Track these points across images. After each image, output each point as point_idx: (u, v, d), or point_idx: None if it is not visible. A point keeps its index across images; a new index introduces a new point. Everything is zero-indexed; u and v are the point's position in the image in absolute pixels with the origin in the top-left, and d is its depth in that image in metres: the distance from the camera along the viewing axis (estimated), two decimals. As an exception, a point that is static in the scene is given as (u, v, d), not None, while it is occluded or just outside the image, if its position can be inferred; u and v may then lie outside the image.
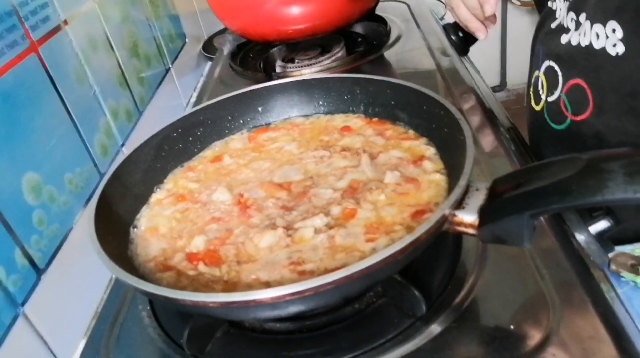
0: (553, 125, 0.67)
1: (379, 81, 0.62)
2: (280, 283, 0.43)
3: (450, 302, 0.46)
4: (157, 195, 0.58)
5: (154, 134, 0.59)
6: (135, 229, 0.53)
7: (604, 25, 0.55)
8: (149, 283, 0.40)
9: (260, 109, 0.67)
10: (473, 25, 0.74)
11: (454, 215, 0.41)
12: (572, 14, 0.61)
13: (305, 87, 0.66)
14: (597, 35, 0.57)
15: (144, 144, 0.58)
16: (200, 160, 0.63)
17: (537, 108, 0.70)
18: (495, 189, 0.42)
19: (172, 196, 0.57)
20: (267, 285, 0.43)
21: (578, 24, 0.60)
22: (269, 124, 0.67)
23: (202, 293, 0.38)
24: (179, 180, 0.60)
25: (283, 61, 1.02)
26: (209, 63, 1.18)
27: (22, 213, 0.51)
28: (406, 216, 0.48)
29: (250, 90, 0.66)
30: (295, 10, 0.90)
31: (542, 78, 0.68)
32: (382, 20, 1.10)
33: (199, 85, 1.10)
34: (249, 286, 0.44)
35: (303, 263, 0.45)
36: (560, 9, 0.65)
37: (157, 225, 0.53)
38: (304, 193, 0.53)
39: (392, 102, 0.61)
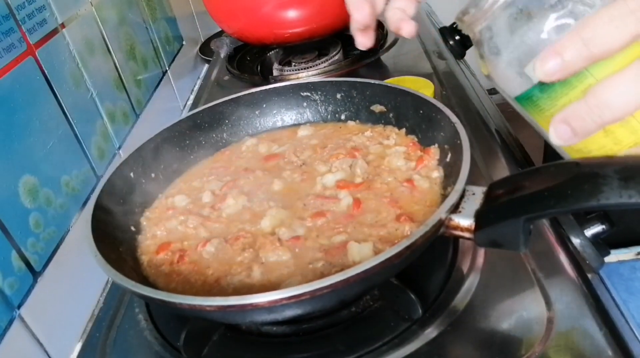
0: None
1: (375, 85, 0.62)
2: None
3: (447, 306, 0.46)
4: (157, 201, 0.58)
5: (150, 137, 0.60)
6: (136, 233, 0.54)
7: None
8: (145, 286, 0.40)
9: (257, 112, 0.67)
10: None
11: (451, 219, 0.41)
12: None
13: (303, 90, 0.67)
14: None
15: (141, 147, 0.58)
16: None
17: None
18: (491, 193, 0.42)
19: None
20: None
21: None
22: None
23: (199, 297, 0.38)
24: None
25: (280, 64, 1.02)
26: (206, 66, 1.18)
27: (18, 216, 0.51)
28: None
29: (248, 93, 0.66)
30: (292, 13, 0.90)
31: None
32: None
33: (196, 88, 1.10)
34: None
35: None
36: None
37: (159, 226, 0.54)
38: None
39: (389, 106, 0.62)
